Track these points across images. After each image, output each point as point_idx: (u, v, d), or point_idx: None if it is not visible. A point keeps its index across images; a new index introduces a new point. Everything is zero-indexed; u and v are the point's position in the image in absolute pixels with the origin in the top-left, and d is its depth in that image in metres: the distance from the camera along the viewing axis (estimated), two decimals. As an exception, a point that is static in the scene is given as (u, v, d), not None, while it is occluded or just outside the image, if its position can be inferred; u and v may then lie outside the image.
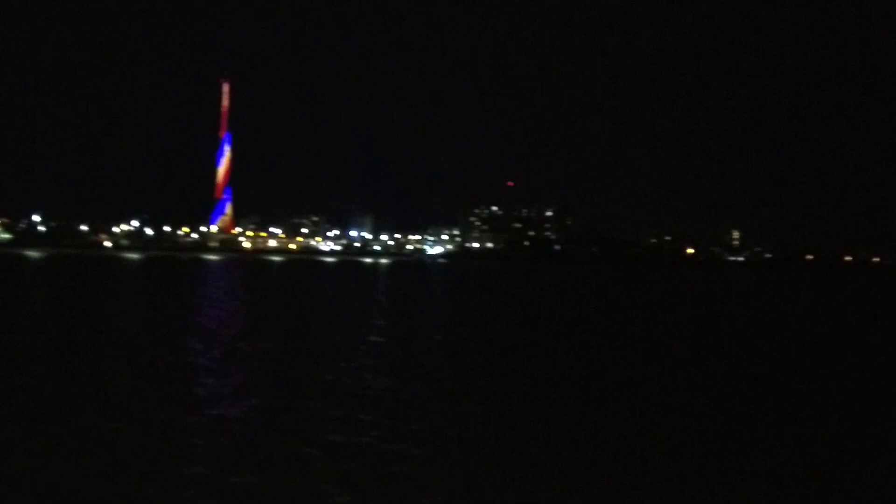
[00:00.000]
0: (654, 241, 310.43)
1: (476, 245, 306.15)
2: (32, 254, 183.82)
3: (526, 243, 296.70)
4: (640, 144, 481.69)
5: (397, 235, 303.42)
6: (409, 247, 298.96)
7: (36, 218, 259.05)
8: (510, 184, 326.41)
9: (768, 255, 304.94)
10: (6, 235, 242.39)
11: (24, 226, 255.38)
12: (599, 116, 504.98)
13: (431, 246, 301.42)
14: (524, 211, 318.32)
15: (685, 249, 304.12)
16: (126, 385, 21.49)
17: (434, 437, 16.87)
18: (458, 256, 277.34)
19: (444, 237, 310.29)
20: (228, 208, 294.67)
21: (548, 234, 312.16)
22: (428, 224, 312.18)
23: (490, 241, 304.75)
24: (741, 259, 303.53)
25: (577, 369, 27.57)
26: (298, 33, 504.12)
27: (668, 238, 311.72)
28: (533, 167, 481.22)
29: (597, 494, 13.50)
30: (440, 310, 58.78)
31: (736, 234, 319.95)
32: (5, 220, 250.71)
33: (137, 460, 14.41)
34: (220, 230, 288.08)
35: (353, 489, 13.23)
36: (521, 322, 48.78)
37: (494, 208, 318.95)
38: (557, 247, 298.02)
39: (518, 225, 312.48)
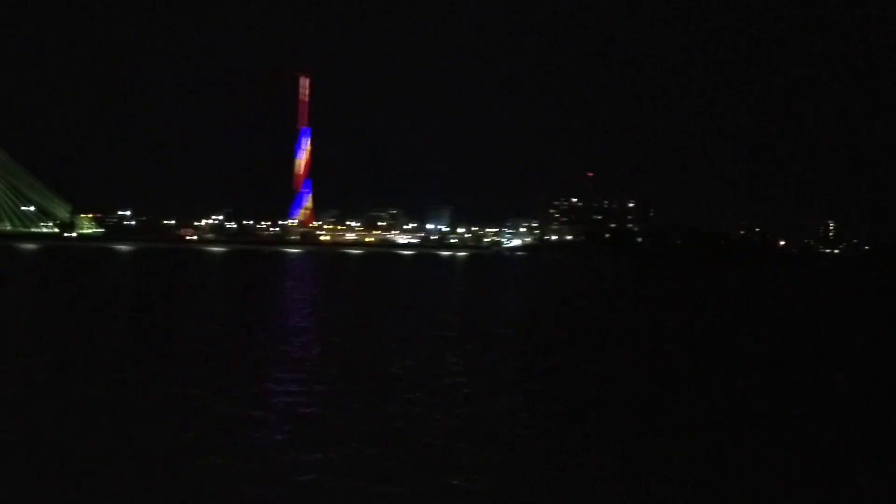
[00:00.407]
0: (742, 232, 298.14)
1: (555, 237, 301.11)
2: (122, 247, 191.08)
3: (606, 235, 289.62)
4: (726, 132, 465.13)
5: (475, 228, 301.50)
6: (487, 239, 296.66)
7: (125, 213, 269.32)
8: (590, 174, 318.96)
9: (867, 248, 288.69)
10: (98, 230, 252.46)
11: (114, 220, 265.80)
12: (683, 104, 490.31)
13: (509, 239, 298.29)
14: (605, 202, 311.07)
15: (776, 241, 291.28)
16: (193, 377, 21.38)
17: (491, 436, 16.10)
18: (536, 249, 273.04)
19: (523, 229, 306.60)
20: (308, 200, 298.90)
21: (629, 225, 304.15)
22: (506, 216, 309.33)
23: (569, 234, 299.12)
24: (837, 251, 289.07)
25: (643, 369, 25.97)
26: (377, 26, 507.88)
27: (757, 230, 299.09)
28: (614, 157, 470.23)
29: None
30: (514, 304, 57.05)
31: (832, 225, 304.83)
32: (97, 215, 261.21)
33: (195, 455, 14.14)
34: (300, 223, 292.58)
35: (405, 488, 12.80)
36: (596, 318, 46.42)
37: (574, 200, 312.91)
38: (639, 239, 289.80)
39: (598, 217, 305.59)
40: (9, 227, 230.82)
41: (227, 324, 36.32)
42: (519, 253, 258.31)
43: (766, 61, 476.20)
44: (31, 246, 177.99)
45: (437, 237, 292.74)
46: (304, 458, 14.11)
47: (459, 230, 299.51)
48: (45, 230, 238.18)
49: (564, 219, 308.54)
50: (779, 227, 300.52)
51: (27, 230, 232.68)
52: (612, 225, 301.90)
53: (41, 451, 14.09)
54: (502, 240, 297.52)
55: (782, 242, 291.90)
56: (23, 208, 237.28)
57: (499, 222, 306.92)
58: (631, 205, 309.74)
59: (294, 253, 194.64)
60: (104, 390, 19.47)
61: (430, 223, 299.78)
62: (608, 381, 23.18)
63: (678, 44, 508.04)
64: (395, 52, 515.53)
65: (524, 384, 22.26)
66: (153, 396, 18.87)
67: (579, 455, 15.05)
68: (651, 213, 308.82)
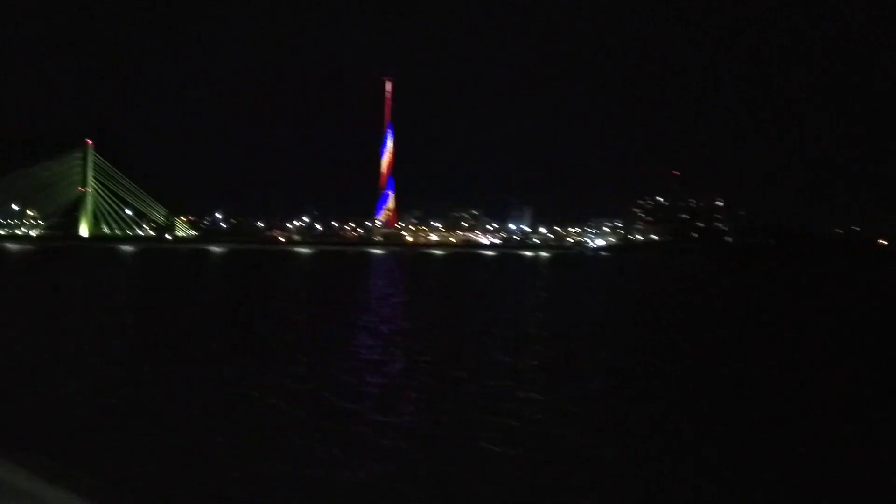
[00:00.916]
0: (839, 231, 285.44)
1: (640, 237, 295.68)
2: (215, 249, 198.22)
3: (694, 235, 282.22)
4: (821, 129, 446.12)
5: (557, 228, 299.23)
6: (570, 239, 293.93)
7: (218, 215, 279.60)
8: (676, 173, 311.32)
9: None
10: (192, 232, 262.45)
11: (207, 223, 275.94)
12: (776, 99, 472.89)
13: (593, 238, 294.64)
14: (692, 201, 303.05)
15: (876, 241, 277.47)
16: (255, 374, 21.60)
17: (538, 440, 15.71)
18: (620, 249, 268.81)
19: (607, 229, 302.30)
20: (391, 201, 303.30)
21: (718, 225, 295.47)
22: (589, 216, 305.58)
23: (655, 234, 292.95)
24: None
25: (711, 370, 25.14)
26: (458, 26, 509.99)
27: (855, 228, 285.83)
28: (702, 155, 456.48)
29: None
30: (594, 304, 56.57)
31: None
32: (191, 218, 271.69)
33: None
34: (384, 224, 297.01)
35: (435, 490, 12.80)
36: (673, 318, 45.42)
37: (660, 199, 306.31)
38: (729, 238, 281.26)
39: (685, 216, 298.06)
40: (108, 231, 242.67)
41: (306, 322, 37.28)
42: (603, 253, 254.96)
43: (864, 54, 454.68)
44: (130, 248, 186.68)
45: (519, 237, 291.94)
46: (332, 456, 14.20)
47: (542, 230, 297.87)
48: (142, 233, 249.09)
49: (650, 218, 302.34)
50: (879, 226, 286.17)
51: (126, 234, 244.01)
52: (700, 224, 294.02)
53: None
54: (585, 240, 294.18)
55: (883, 241, 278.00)
56: (122, 212, 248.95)
57: (582, 222, 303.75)
58: (720, 203, 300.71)
59: (378, 253, 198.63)
60: (160, 387, 20.13)
61: (512, 223, 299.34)
62: (673, 383, 22.63)
63: (769, 37, 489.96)
64: (476, 51, 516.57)
65: (588, 386, 21.86)
66: (209, 391, 19.49)
67: (622, 463, 14.70)
68: (741, 213, 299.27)
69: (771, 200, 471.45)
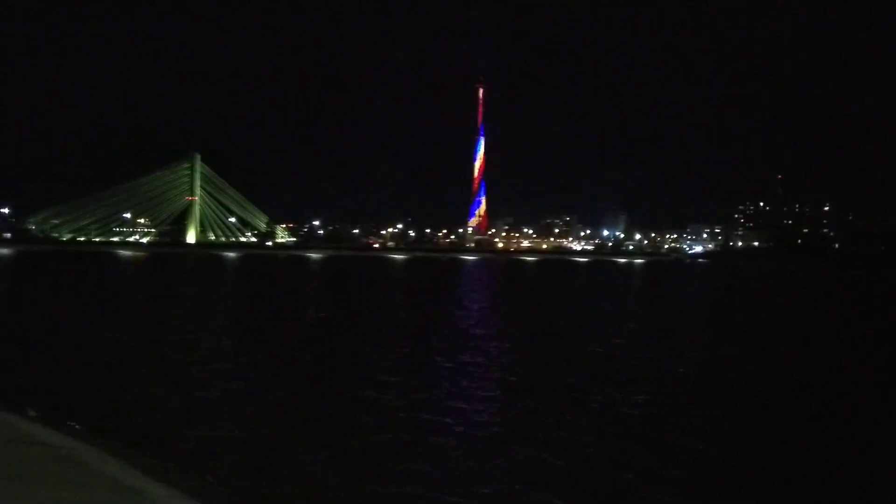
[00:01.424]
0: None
1: (740, 244, 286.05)
2: (312, 255, 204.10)
3: (798, 241, 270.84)
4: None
5: (653, 234, 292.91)
6: (666, 246, 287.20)
7: (316, 223, 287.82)
8: (779, 176, 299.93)
9: None
10: (291, 239, 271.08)
11: (306, 230, 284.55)
12: (885, 99, 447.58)
13: (690, 245, 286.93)
14: (796, 206, 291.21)
15: None
16: (341, 384, 21.99)
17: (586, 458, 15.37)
18: (719, 255, 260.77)
19: (705, 235, 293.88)
20: (483, 205, 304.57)
21: (825, 230, 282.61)
22: (687, 222, 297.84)
23: (756, 240, 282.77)
24: None
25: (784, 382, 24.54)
26: (553, 34, 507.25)
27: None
28: (808, 158, 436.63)
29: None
30: (687, 311, 55.38)
31: None
32: (291, 226, 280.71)
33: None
34: (476, 230, 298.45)
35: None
36: (786, 327, 43.78)
37: (762, 204, 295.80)
38: (836, 245, 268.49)
39: (788, 222, 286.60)
40: (213, 238, 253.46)
41: (390, 326, 38.04)
42: (701, 260, 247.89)
43: None
44: (233, 254, 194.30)
45: (612, 244, 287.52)
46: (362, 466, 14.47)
47: (637, 236, 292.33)
48: (244, 240, 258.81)
49: (750, 224, 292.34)
50: None
51: (230, 240, 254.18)
52: (805, 230, 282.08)
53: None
54: (683, 246, 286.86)
55: None
56: (226, 220, 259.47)
57: (679, 229, 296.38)
58: (827, 208, 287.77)
59: (470, 260, 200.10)
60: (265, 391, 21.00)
61: (606, 229, 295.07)
62: (739, 392, 22.27)
63: (878, 31, 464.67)
64: (570, 56, 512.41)
65: (651, 396, 21.44)
66: (289, 392, 20.41)
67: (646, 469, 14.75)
68: (850, 217, 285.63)
69: (884, 206, 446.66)
